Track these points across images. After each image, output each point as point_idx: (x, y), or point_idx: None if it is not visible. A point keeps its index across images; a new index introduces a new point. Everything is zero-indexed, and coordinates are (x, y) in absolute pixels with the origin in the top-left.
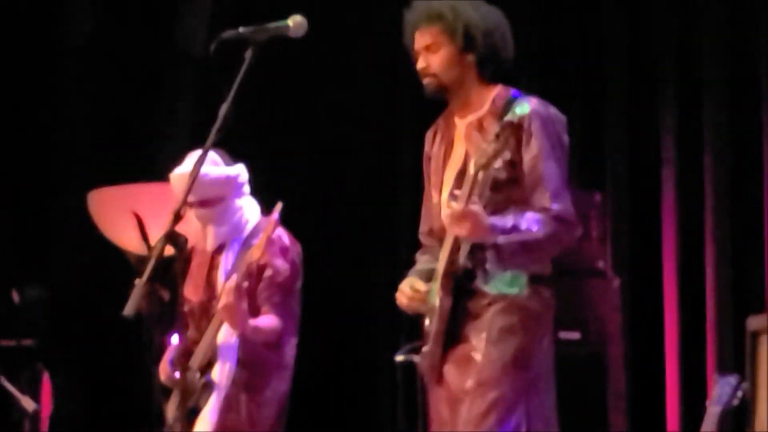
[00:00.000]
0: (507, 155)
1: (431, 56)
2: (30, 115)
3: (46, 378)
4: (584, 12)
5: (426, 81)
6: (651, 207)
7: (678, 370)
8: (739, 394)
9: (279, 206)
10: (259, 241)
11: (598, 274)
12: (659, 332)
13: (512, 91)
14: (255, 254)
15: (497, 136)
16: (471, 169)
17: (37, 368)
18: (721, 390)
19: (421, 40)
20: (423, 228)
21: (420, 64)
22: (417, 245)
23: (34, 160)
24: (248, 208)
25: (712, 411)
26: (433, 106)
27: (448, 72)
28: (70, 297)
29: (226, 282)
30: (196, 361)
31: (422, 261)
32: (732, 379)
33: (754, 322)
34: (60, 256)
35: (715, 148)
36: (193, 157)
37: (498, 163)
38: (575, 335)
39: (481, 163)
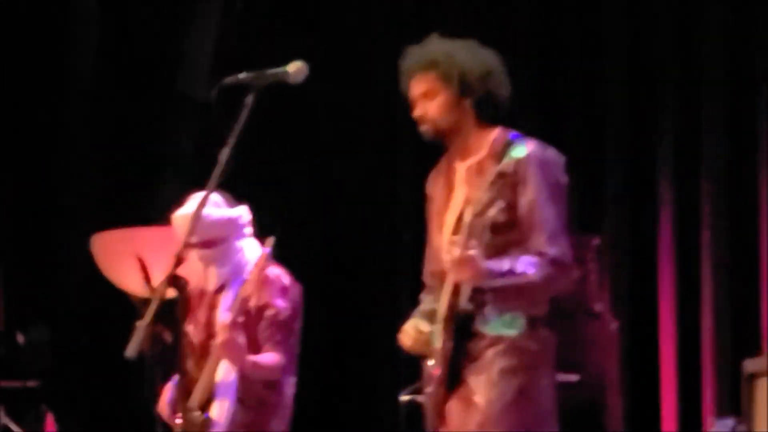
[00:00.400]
0: (501, 203)
1: (428, 103)
2: (36, 157)
3: (50, 419)
4: (584, 12)
5: (424, 128)
6: (648, 249)
7: (675, 412)
8: None
9: (271, 240)
10: (251, 275)
11: (596, 317)
12: (656, 374)
13: (510, 133)
14: (248, 288)
15: (491, 184)
16: (466, 217)
17: (42, 409)
18: None
19: (417, 87)
20: (426, 269)
21: (417, 112)
22: (418, 252)
23: (37, 202)
24: (249, 250)
25: None
26: None
27: (446, 118)
28: (74, 338)
29: None
30: (195, 398)
31: (426, 301)
32: (729, 422)
33: (751, 365)
34: (64, 297)
35: (712, 172)
36: (195, 198)
37: (493, 211)
38: (573, 378)
39: (475, 211)
